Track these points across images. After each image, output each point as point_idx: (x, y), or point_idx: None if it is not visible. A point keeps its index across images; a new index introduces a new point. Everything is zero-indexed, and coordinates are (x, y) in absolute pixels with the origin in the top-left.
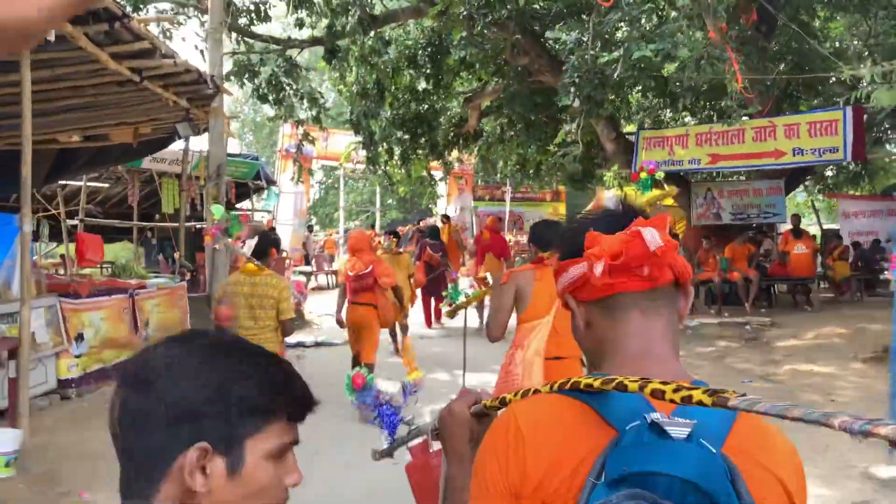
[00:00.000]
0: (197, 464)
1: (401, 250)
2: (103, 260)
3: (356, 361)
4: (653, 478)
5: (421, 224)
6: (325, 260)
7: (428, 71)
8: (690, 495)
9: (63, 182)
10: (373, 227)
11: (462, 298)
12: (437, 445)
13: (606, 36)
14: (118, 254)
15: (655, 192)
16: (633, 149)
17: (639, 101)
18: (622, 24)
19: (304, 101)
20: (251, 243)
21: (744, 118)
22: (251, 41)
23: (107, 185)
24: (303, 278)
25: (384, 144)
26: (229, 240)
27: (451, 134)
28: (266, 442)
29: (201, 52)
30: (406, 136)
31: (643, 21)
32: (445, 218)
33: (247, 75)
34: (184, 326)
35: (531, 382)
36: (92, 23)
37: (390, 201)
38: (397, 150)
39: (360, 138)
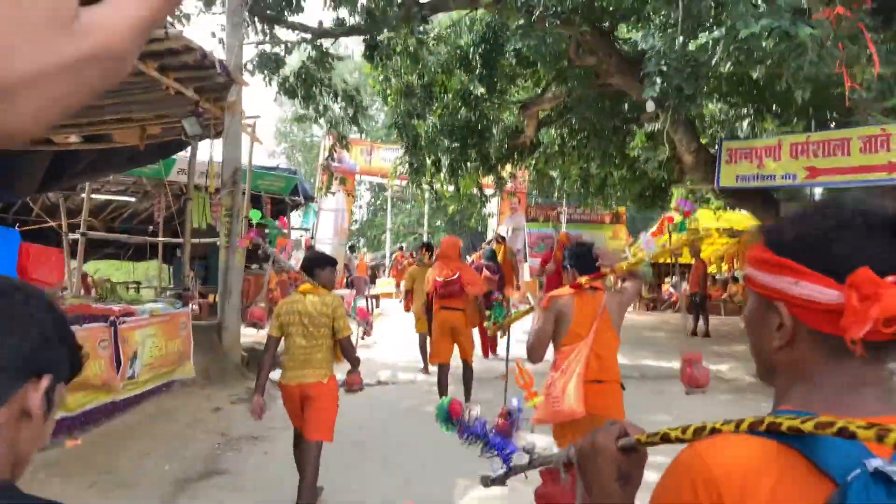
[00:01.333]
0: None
1: (431, 263)
2: (61, 280)
3: (443, 372)
4: None
5: (491, 244)
6: (365, 283)
7: (481, 72)
8: None
9: (66, 191)
10: (401, 249)
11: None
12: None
13: (701, 17)
14: (147, 273)
15: (683, 236)
16: (716, 161)
17: (713, 113)
18: None
19: (339, 98)
20: (297, 255)
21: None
22: (277, 28)
23: (133, 200)
24: (363, 303)
25: (430, 154)
26: (272, 249)
27: (505, 146)
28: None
29: (220, 40)
30: (455, 145)
31: None
32: (500, 238)
33: (271, 66)
34: (185, 362)
35: (570, 406)
36: None
37: (438, 222)
38: (445, 161)
39: (404, 148)
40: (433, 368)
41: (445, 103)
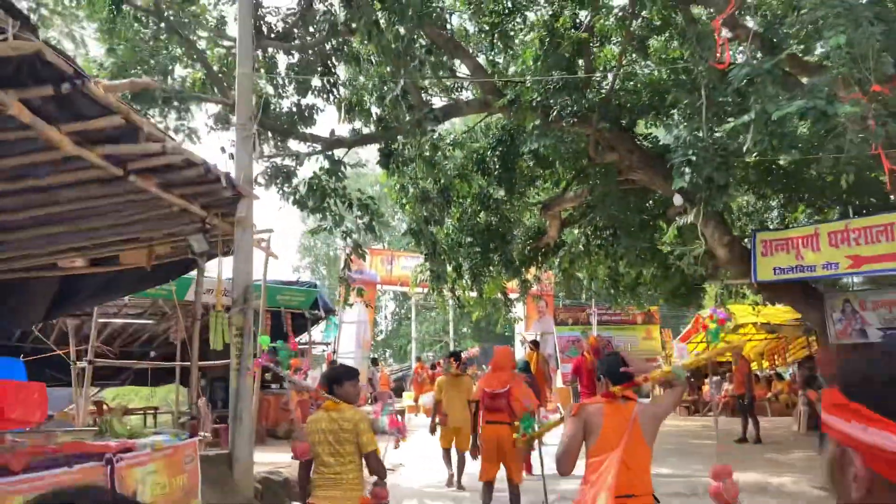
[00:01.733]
0: None
1: (461, 372)
2: (45, 418)
3: (488, 491)
4: None
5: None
6: (390, 397)
7: (499, 174)
8: None
9: (76, 316)
10: (419, 359)
11: (535, 428)
12: None
13: (726, 103)
14: (166, 397)
15: (718, 345)
16: (751, 255)
17: (741, 205)
18: (746, 82)
19: (353, 207)
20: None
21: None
22: (290, 140)
23: (151, 322)
24: (392, 410)
25: (451, 259)
26: (286, 372)
27: (528, 248)
28: None
29: (230, 155)
30: (476, 250)
31: (774, 79)
32: (533, 345)
33: (280, 178)
34: (191, 501)
35: None
36: (32, 85)
37: (465, 329)
38: (466, 266)
39: (423, 255)
40: (466, 483)
41: (464, 208)
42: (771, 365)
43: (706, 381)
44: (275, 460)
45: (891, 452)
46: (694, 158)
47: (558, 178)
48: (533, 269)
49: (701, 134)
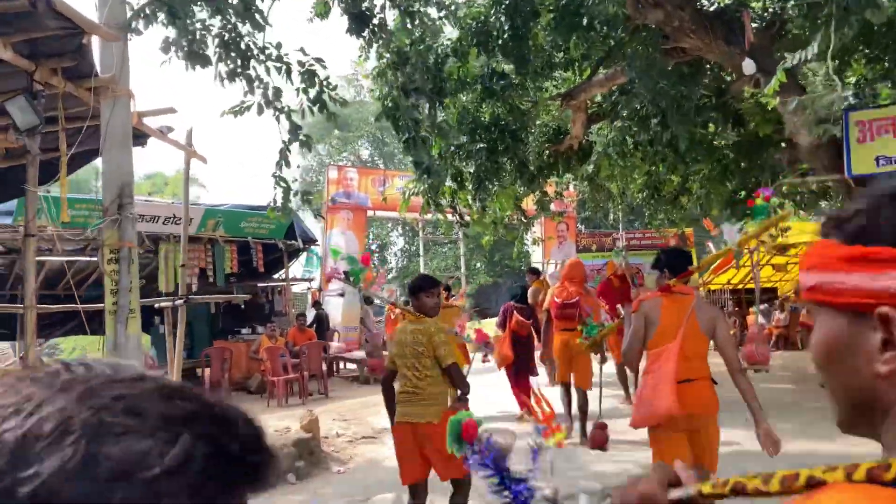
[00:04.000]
0: None
1: (451, 303)
2: None
3: (567, 389)
4: None
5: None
6: (383, 340)
7: (507, 42)
8: None
9: None
10: (407, 303)
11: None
12: None
13: None
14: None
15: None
16: (843, 143)
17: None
18: None
19: (291, 74)
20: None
21: None
22: None
23: (96, 259)
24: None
25: (447, 162)
26: (359, 285)
27: (547, 152)
28: None
29: None
30: (481, 147)
31: None
32: (534, 272)
33: (161, 18)
34: None
35: (665, 404)
36: None
37: (478, 264)
38: (467, 168)
39: (402, 143)
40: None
41: (463, 102)
42: None
43: (752, 309)
44: None
45: None
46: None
47: (586, 50)
48: (553, 181)
49: None
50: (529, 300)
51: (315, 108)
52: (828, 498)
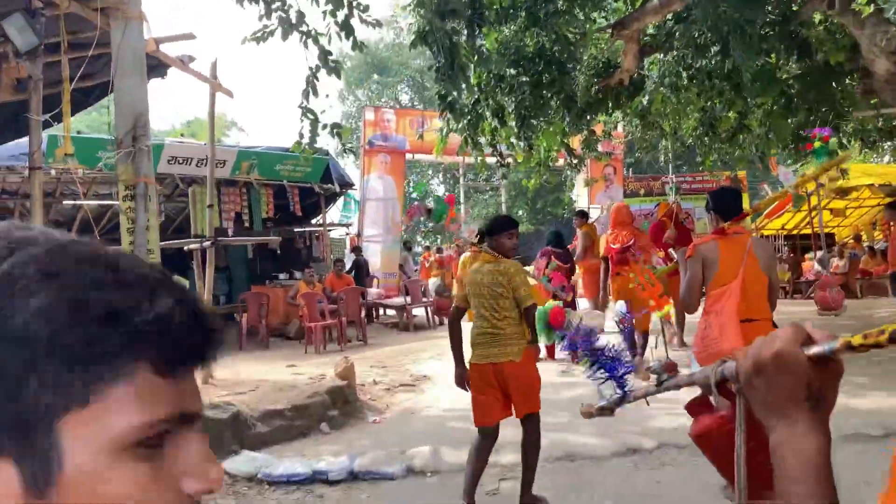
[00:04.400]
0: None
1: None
2: None
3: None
4: None
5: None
6: (423, 288)
7: None
8: None
9: None
10: (428, 248)
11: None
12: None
13: None
14: None
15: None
16: None
17: None
18: None
19: None
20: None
21: None
22: None
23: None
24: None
25: (487, 92)
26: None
27: (595, 87)
28: (111, 418)
29: None
30: (524, 80)
31: None
32: (582, 216)
33: None
34: None
35: (730, 343)
36: None
37: (520, 212)
38: (510, 104)
39: (438, 74)
40: None
41: (504, 33)
42: (885, 236)
43: (807, 255)
44: (265, 376)
45: None
46: None
47: None
48: (601, 120)
49: None
50: (579, 245)
51: (342, 35)
52: None
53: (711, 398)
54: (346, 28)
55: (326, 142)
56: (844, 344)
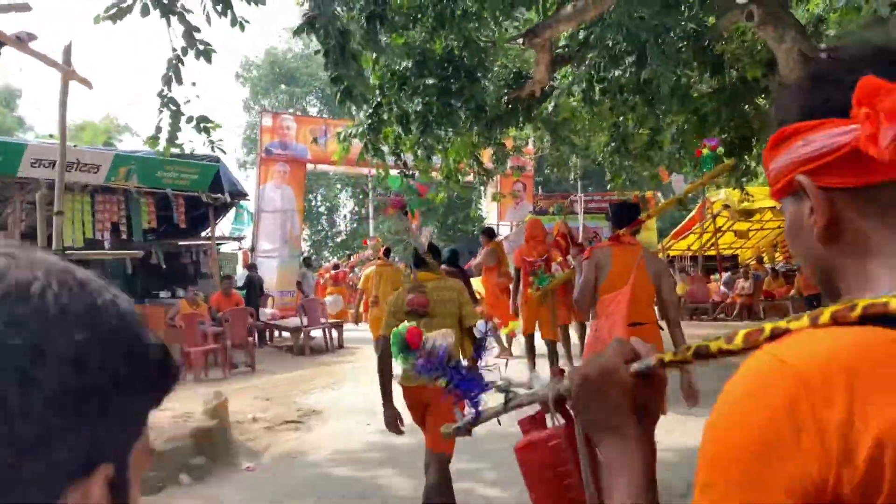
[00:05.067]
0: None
1: (389, 263)
2: None
3: (531, 342)
4: None
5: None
6: (322, 306)
7: None
8: None
9: None
10: (337, 266)
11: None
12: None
13: None
14: None
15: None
16: None
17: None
18: None
19: None
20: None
21: None
22: None
23: None
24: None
25: (391, 101)
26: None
27: (506, 98)
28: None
29: None
30: (430, 83)
31: None
32: (488, 234)
33: None
34: None
35: None
36: None
37: (431, 228)
38: (412, 107)
39: (329, 66)
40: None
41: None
42: (785, 258)
43: (712, 277)
44: None
45: (832, 148)
46: None
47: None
48: (512, 135)
49: None
50: (482, 262)
51: (219, 10)
52: (793, 341)
53: (547, 416)
54: (224, 1)
55: (236, 148)
56: (658, 360)
